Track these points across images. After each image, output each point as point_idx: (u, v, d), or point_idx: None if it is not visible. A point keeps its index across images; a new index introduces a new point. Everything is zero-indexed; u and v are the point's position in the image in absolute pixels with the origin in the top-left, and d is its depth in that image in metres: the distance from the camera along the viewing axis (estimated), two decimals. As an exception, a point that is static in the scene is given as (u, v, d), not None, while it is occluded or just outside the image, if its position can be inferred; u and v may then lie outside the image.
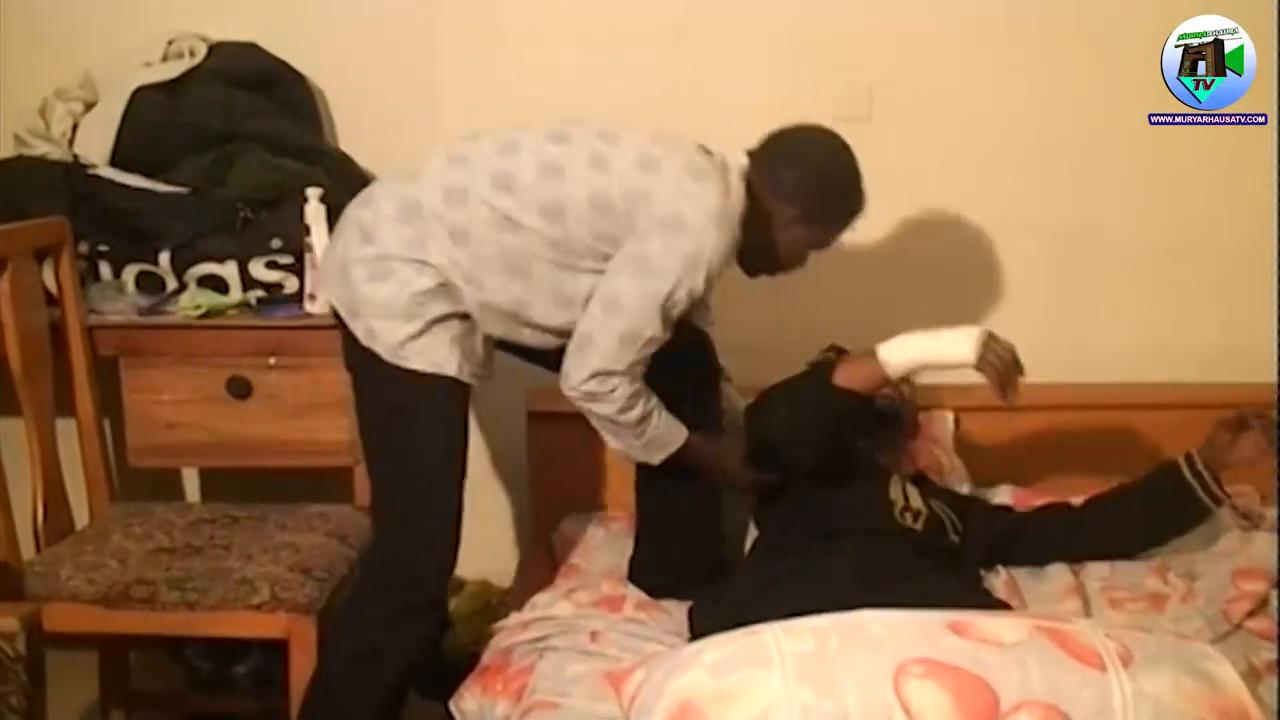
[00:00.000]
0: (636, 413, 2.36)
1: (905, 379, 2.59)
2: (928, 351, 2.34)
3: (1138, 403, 3.13)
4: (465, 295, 2.31)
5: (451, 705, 2.30)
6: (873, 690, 1.50)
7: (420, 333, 2.28)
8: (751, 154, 2.43)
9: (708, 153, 2.38)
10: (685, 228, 2.25)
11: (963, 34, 3.17)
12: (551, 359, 2.42)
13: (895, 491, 2.55)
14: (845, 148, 2.45)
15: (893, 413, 2.75)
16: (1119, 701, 1.51)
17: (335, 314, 2.39)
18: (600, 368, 2.29)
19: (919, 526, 2.49)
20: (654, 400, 2.38)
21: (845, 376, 2.35)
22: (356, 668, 2.34)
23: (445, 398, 2.33)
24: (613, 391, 2.31)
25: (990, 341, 2.32)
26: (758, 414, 2.51)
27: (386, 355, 2.29)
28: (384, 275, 2.29)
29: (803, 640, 1.58)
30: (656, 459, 2.45)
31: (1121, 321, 3.27)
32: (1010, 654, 1.55)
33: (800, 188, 2.40)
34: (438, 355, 2.30)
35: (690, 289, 2.28)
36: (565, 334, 2.35)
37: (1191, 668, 1.58)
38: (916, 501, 2.55)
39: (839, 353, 2.62)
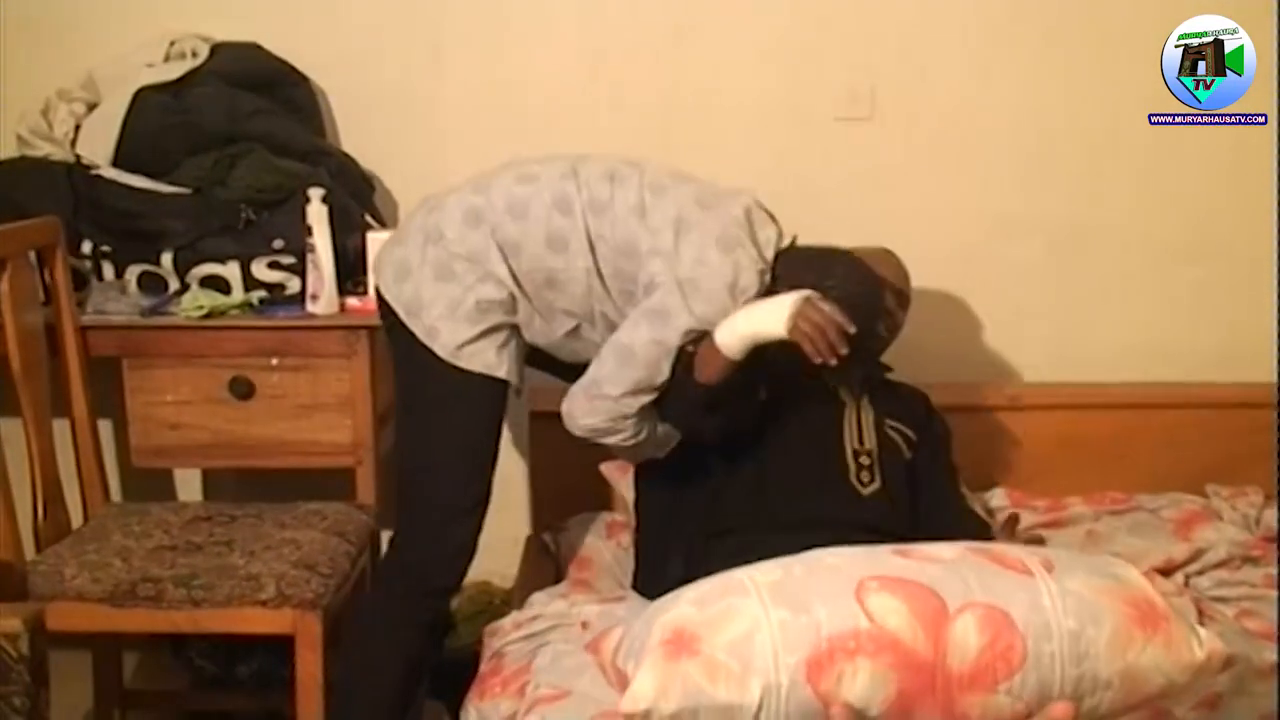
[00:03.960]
0: (644, 433, 2.45)
1: (1010, 524, 2.60)
2: (751, 327, 2.32)
3: (1138, 403, 3.13)
4: (520, 305, 2.41)
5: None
6: (839, 604, 1.69)
7: (478, 337, 2.38)
8: (785, 249, 2.44)
9: (764, 213, 2.43)
10: (699, 293, 2.32)
11: (965, 35, 3.17)
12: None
13: (849, 434, 2.56)
14: (875, 288, 2.48)
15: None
16: (1048, 599, 1.70)
17: (385, 309, 2.46)
18: (616, 413, 2.39)
19: (874, 485, 2.51)
20: (653, 415, 2.45)
21: (700, 369, 2.37)
22: (374, 649, 2.46)
23: (491, 395, 2.43)
24: (621, 430, 2.42)
25: (805, 308, 2.27)
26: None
27: (444, 354, 2.38)
28: (449, 277, 2.38)
29: (771, 573, 1.77)
30: (664, 451, 2.54)
31: (1122, 321, 3.27)
32: (951, 568, 1.75)
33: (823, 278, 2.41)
34: (489, 358, 2.39)
35: (693, 340, 2.35)
36: (585, 321, 2.44)
37: (1102, 571, 1.80)
38: (870, 439, 2.56)
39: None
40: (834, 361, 2.28)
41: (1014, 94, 3.19)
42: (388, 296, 2.46)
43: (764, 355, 2.35)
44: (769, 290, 2.38)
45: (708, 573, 1.88)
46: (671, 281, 2.33)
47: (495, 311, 2.39)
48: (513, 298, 2.40)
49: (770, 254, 2.40)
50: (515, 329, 2.44)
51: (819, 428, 2.57)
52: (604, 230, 2.38)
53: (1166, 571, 2.68)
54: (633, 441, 2.45)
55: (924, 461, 2.64)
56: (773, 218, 2.45)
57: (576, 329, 2.45)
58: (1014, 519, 2.62)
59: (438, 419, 2.45)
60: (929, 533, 2.42)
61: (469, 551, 2.49)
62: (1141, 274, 3.27)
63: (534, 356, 2.56)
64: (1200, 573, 2.71)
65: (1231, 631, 2.41)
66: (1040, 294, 3.26)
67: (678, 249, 2.34)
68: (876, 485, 2.53)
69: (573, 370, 2.50)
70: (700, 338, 2.35)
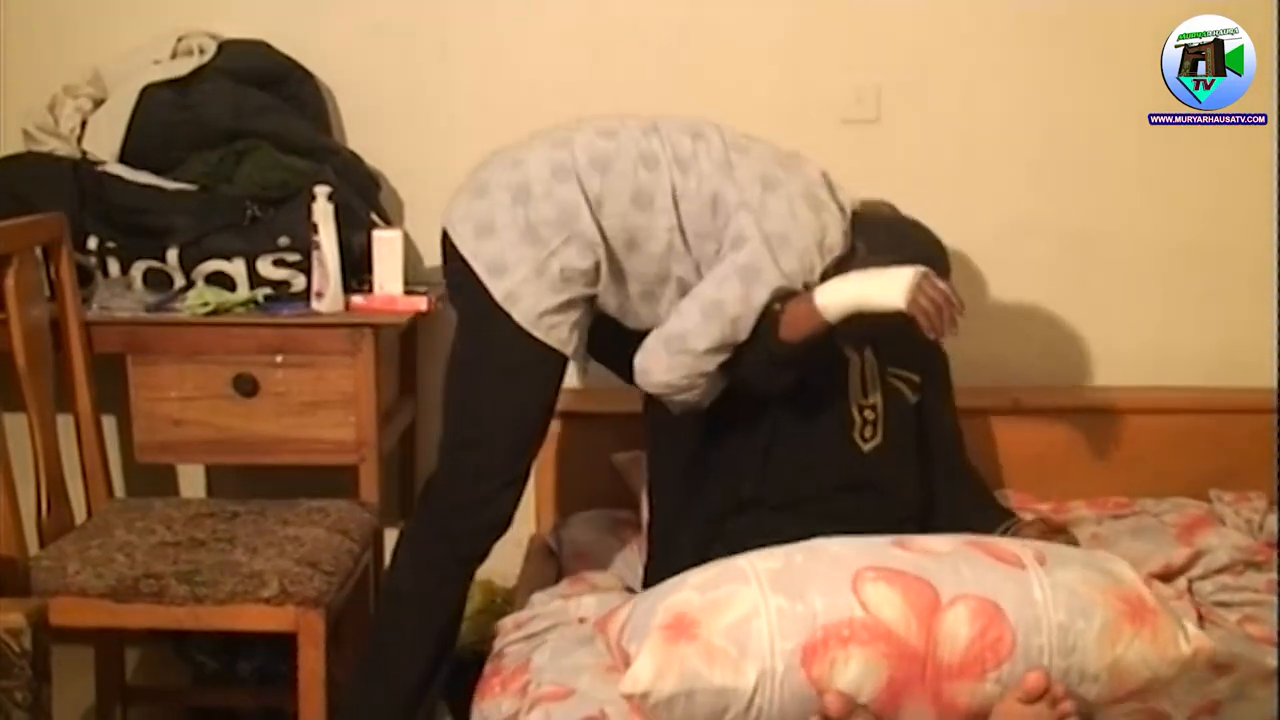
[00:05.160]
0: (711, 391, 2.43)
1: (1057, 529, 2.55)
2: (860, 294, 2.29)
3: (1142, 407, 3.13)
4: (602, 271, 2.37)
5: None
6: (835, 593, 1.74)
7: (560, 308, 2.35)
8: (862, 217, 2.45)
9: (832, 178, 2.44)
10: (790, 247, 2.32)
11: (970, 37, 3.17)
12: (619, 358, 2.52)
13: (854, 390, 2.55)
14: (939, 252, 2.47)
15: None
16: (1039, 592, 1.75)
17: (460, 267, 2.39)
18: (696, 369, 2.36)
19: (875, 441, 2.52)
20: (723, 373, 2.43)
21: (787, 328, 2.33)
22: (406, 614, 2.46)
23: (553, 370, 2.41)
24: (695, 388, 2.39)
25: (924, 283, 2.25)
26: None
27: (523, 321, 2.34)
28: (535, 240, 2.34)
29: (772, 560, 1.82)
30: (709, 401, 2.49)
31: (1129, 325, 3.27)
32: (945, 560, 1.79)
33: (889, 247, 2.41)
34: (563, 334, 2.37)
35: (773, 296, 2.34)
36: (659, 283, 2.41)
37: (1095, 566, 1.84)
38: (874, 393, 2.55)
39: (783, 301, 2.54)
40: (947, 336, 2.28)
41: (1020, 96, 3.19)
42: (465, 252, 2.39)
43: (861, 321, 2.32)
44: (850, 250, 2.38)
45: (715, 556, 1.90)
46: (760, 237, 2.31)
47: (578, 282, 2.36)
48: (597, 265, 2.36)
49: (849, 216, 2.41)
50: (591, 303, 2.41)
51: (825, 389, 2.54)
52: (690, 186, 2.35)
53: (1167, 576, 2.67)
54: (697, 400, 2.43)
55: (929, 401, 2.64)
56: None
57: (647, 292, 2.42)
58: (1048, 526, 2.55)
59: (500, 388, 2.41)
60: (930, 488, 2.55)
61: (504, 525, 2.45)
62: (1146, 277, 3.26)
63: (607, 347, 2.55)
64: (1203, 577, 2.71)
65: (1234, 637, 2.41)
66: (1045, 297, 3.25)
67: (765, 204, 2.33)
68: (878, 440, 2.53)
69: (613, 354, 2.52)
70: (787, 296, 2.33)
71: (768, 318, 2.35)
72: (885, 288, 2.27)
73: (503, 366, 2.40)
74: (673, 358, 2.36)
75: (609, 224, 2.35)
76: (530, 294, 2.34)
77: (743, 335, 2.34)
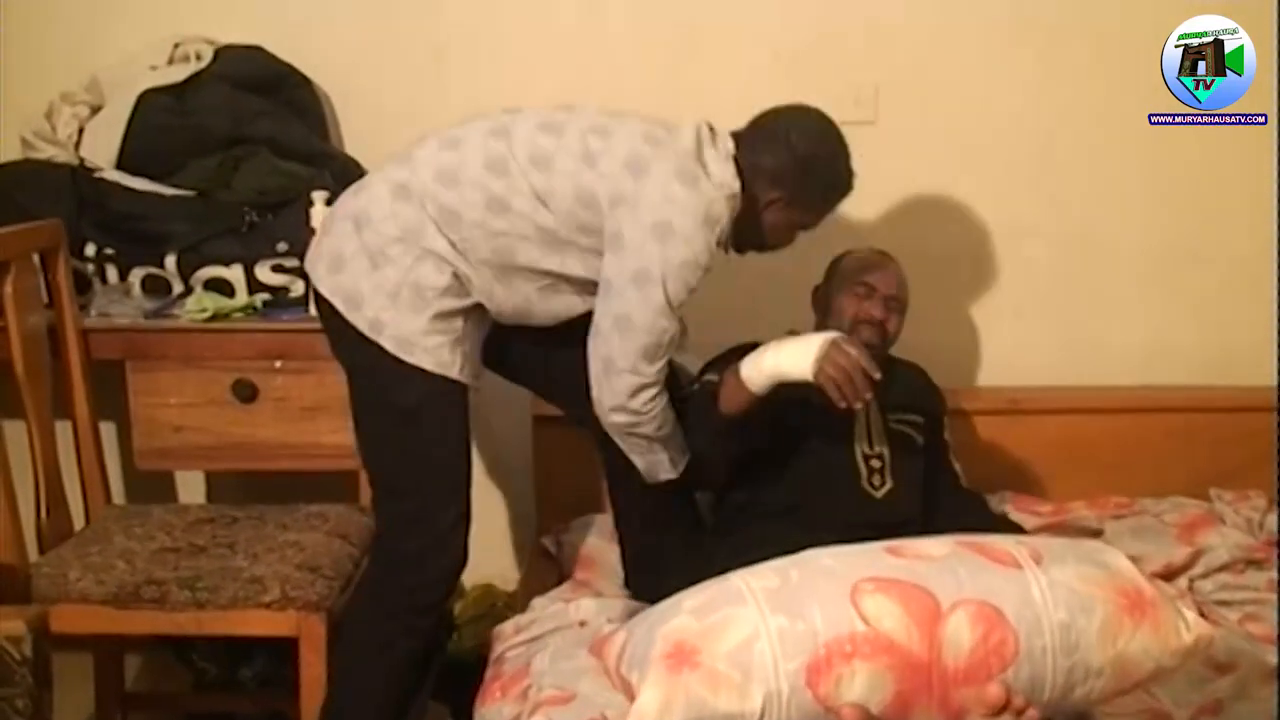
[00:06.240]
0: (669, 425, 2.41)
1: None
2: (775, 367, 2.32)
3: (1142, 406, 3.13)
4: (472, 282, 2.31)
5: None
6: (834, 608, 1.71)
7: (428, 328, 2.27)
8: (737, 136, 2.41)
9: (710, 132, 2.37)
10: (676, 235, 2.25)
11: (968, 37, 3.17)
12: (540, 379, 2.53)
13: (860, 441, 2.56)
14: (828, 129, 2.45)
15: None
16: (1037, 592, 1.73)
17: (326, 309, 2.35)
18: (636, 385, 2.32)
19: (886, 488, 2.52)
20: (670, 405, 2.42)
21: (725, 401, 2.39)
22: (364, 662, 2.37)
23: (452, 400, 2.33)
24: (651, 404, 2.35)
25: (832, 352, 2.25)
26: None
27: (394, 349, 2.27)
28: (384, 262, 2.28)
29: (767, 578, 1.78)
30: (679, 470, 2.49)
31: (1128, 324, 3.27)
32: (941, 565, 1.77)
33: (781, 173, 2.39)
34: (443, 356, 2.29)
35: (689, 287, 2.30)
36: (557, 278, 2.35)
37: (1091, 559, 1.82)
38: (880, 441, 2.56)
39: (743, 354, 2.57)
40: (858, 406, 2.28)
41: (1018, 97, 3.19)
42: (323, 290, 2.33)
43: (785, 390, 2.33)
44: (743, 191, 2.33)
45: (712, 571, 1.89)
46: (640, 234, 2.25)
47: (439, 298, 2.28)
48: (458, 278, 2.29)
49: (729, 168, 2.33)
50: (468, 318, 2.33)
51: (829, 440, 2.57)
52: (553, 185, 2.27)
53: (1169, 576, 2.68)
54: (658, 432, 2.38)
55: (931, 443, 2.66)
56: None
57: (549, 286, 2.36)
58: None
59: (407, 434, 2.33)
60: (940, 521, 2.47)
61: (457, 569, 2.40)
62: (1145, 277, 3.26)
63: (505, 363, 2.49)
64: (1204, 576, 2.71)
65: (1235, 636, 2.41)
66: (1044, 297, 3.25)
67: (639, 192, 2.26)
68: (888, 487, 2.55)
69: (540, 375, 2.51)
70: (718, 362, 2.36)
71: (706, 390, 2.39)
72: (796, 359, 2.28)
73: (402, 411, 2.31)
74: (613, 380, 2.32)
75: (470, 234, 2.29)
76: (392, 320, 2.27)
77: (666, 336, 2.30)
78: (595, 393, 2.35)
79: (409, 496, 2.37)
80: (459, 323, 2.32)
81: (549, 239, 2.31)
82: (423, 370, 2.28)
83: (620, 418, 2.36)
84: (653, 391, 2.34)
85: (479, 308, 2.36)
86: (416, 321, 2.27)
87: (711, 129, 2.38)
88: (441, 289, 2.29)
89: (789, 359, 2.31)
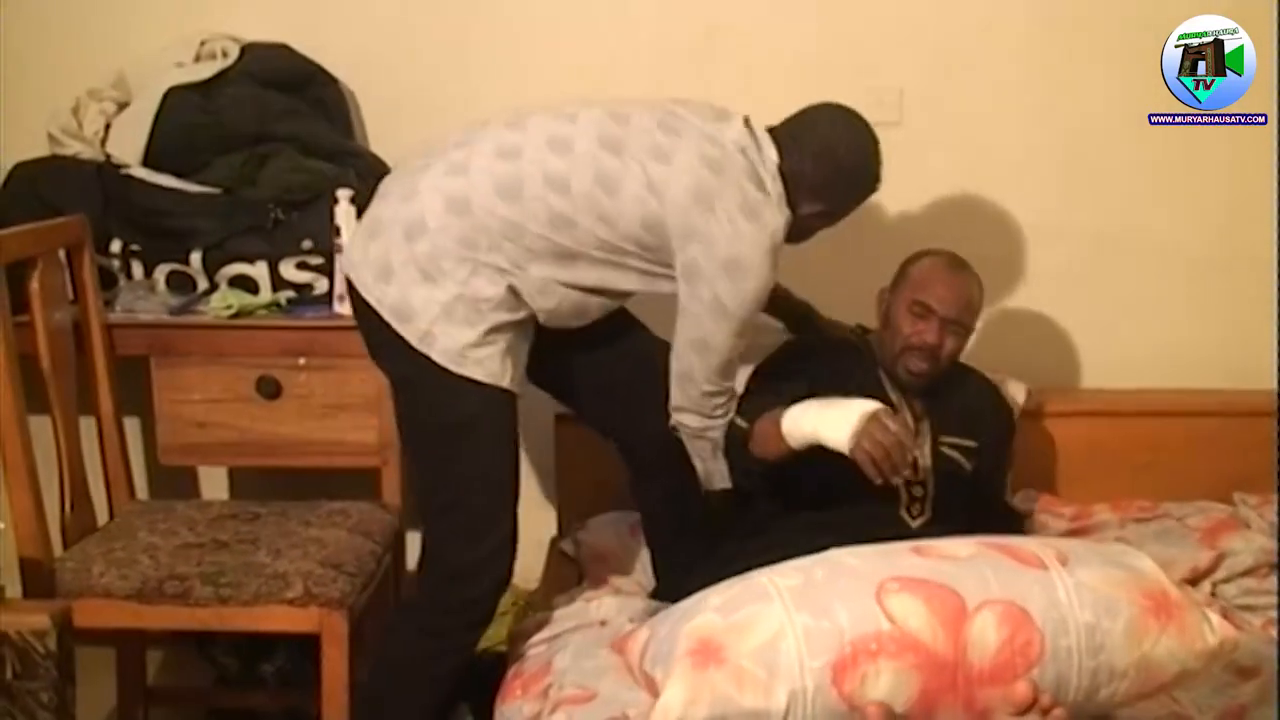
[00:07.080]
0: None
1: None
2: (815, 430, 2.28)
3: (1166, 410, 3.12)
4: (523, 291, 2.30)
5: None
6: (860, 607, 1.72)
7: (480, 341, 2.26)
8: (777, 139, 2.42)
9: (753, 137, 2.39)
10: (746, 269, 2.30)
11: (993, 39, 3.16)
12: (582, 396, 2.57)
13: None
14: (867, 139, 2.47)
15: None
16: (1063, 593, 1.74)
17: (369, 314, 2.32)
18: (710, 391, 2.39)
19: (924, 518, 2.48)
20: None
21: (757, 444, 2.38)
22: (407, 677, 2.37)
23: (503, 411, 2.32)
24: (724, 409, 2.43)
25: (871, 426, 2.19)
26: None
27: (445, 361, 2.25)
28: (438, 275, 2.26)
29: (792, 577, 1.80)
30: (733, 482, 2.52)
31: (1153, 327, 3.25)
32: (967, 565, 1.78)
33: (825, 187, 2.42)
34: (494, 366, 2.28)
35: (759, 308, 2.38)
36: (609, 291, 2.39)
37: (1116, 561, 1.84)
38: (926, 470, 2.50)
39: (864, 332, 2.70)
40: (895, 482, 2.25)
41: (1041, 98, 3.18)
42: (370, 299, 2.30)
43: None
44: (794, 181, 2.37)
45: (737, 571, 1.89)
46: (715, 267, 2.29)
47: (497, 310, 2.27)
48: (512, 290, 2.28)
49: (779, 186, 2.36)
50: (517, 327, 2.32)
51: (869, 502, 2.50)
52: (621, 208, 2.28)
53: (1193, 581, 2.67)
54: (720, 435, 2.44)
55: (985, 468, 2.61)
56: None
57: (599, 289, 2.37)
58: None
59: (458, 446, 2.31)
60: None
61: (507, 583, 2.39)
62: (1170, 279, 3.25)
63: (541, 373, 2.49)
64: (1227, 580, 2.70)
65: (1258, 640, 2.40)
66: (1068, 298, 3.24)
67: (709, 228, 2.27)
68: (925, 518, 2.49)
69: (562, 381, 2.54)
70: (769, 372, 2.47)
71: (736, 433, 2.41)
72: (836, 428, 2.24)
73: (453, 424, 2.30)
74: (688, 388, 2.40)
75: (530, 243, 2.27)
76: (444, 333, 2.25)
77: (738, 349, 2.38)
78: (674, 399, 2.43)
79: (458, 510, 2.35)
80: (509, 332, 2.31)
81: (610, 252, 2.33)
82: (474, 381, 2.27)
83: (694, 421, 2.44)
84: (725, 397, 2.42)
85: (529, 318, 2.36)
86: (469, 335, 2.26)
87: (753, 132, 2.40)
88: (496, 301, 2.27)
89: (829, 427, 2.25)
